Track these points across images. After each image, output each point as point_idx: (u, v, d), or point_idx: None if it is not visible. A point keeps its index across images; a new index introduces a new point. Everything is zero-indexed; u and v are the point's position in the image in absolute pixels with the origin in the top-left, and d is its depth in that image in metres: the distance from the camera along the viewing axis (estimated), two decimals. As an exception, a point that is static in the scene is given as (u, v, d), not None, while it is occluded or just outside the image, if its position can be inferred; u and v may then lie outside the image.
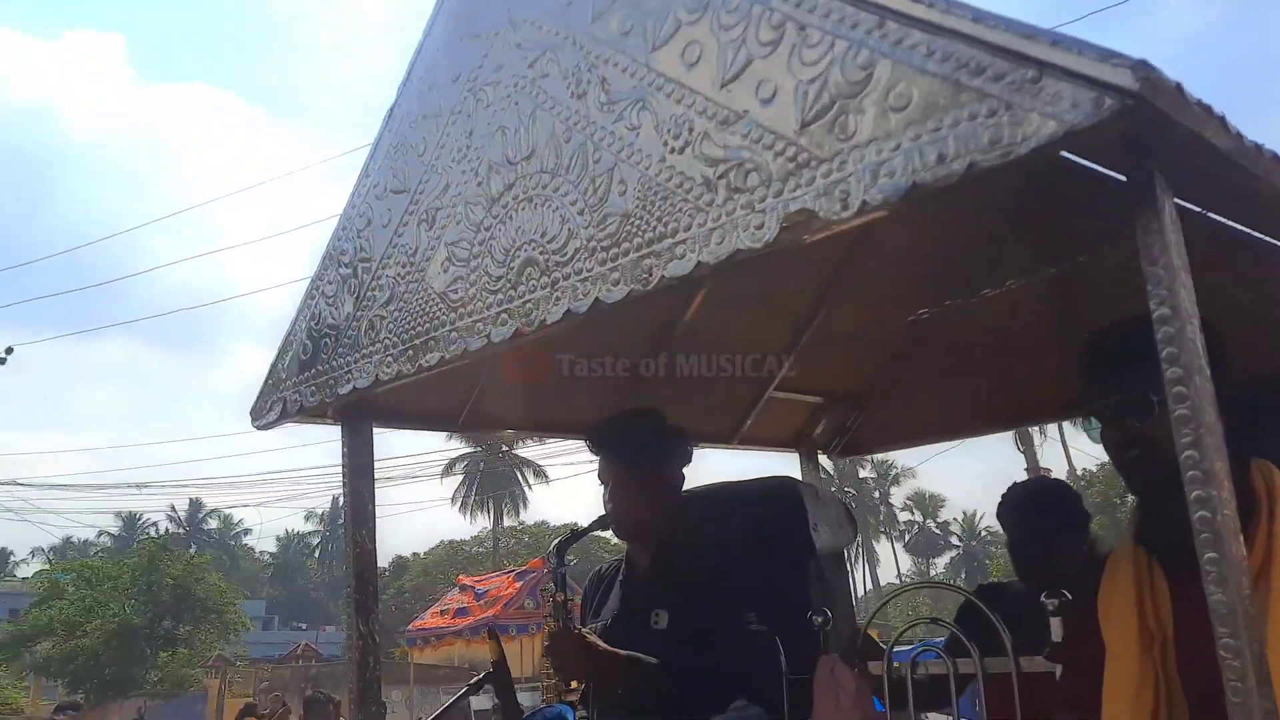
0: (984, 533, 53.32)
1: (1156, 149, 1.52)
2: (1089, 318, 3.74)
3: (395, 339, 2.47)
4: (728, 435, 4.17)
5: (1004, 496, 3.23)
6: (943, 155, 1.51)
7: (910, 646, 2.86)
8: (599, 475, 3.05)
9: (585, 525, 3.09)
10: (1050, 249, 3.33)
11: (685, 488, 3.12)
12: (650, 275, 1.92)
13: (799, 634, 2.93)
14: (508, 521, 52.39)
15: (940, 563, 53.94)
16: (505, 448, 52.29)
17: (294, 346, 2.79)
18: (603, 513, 3.03)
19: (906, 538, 53.88)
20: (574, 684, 2.90)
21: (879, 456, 50.13)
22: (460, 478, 52.75)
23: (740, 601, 2.94)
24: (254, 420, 2.90)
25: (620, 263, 1.97)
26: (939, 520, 56.61)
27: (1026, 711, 2.51)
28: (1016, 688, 2.54)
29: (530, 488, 52.89)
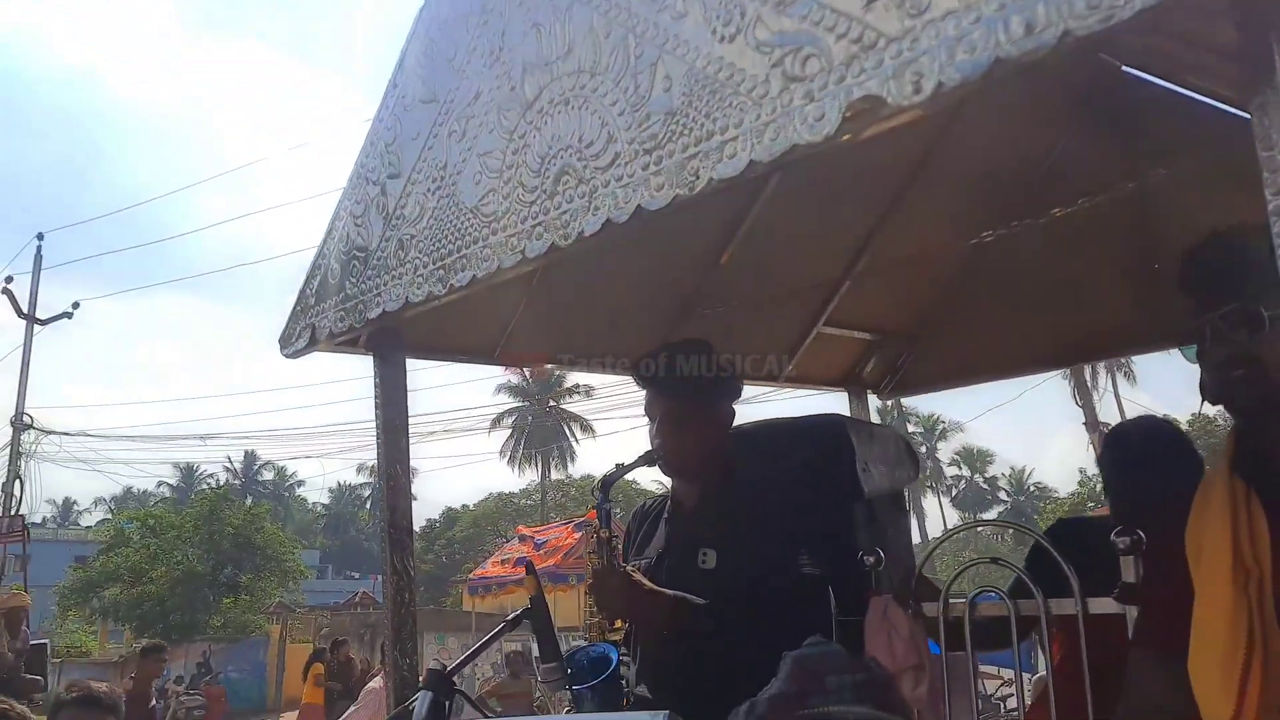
0: (1032, 488, 52.77)
1: (1275, 11, 1.32)
2: (1168, 235, 3.54)
3: (425, 259, 2.33)
4: (775, 373, 4.01)
5: (1111, 433, 3.02)
6: (1031, 25, 1.33)
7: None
8: (646, 409, 2.91)
9: (630, 461, 2.95)
10: (1125, 163, 3.12)
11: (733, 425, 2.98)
12: (697, 177, 1.75)
13: (850, 575, 2.80)
14: (555, 475, 52.82)
15: (988, 517, 53.49)
16: (552, 403, 52.56)
17: (322, 271, 2.67)
18: (649, 448, 2.89)
19: (954, 492, 53.43)
20: (618, 623, 2.79)
21: (925, 410, 49.80)
22: (509, 432, 53.31)
23: (789, 542, 2.80)
24: (283, 349, 2.79)
25: (664, 165, 1.81)
26: (987, 476, 56.08)
27: (1095, 657, 2.37)
28: (1083, 630, 2.40)
29: (578, 441, 53.25)
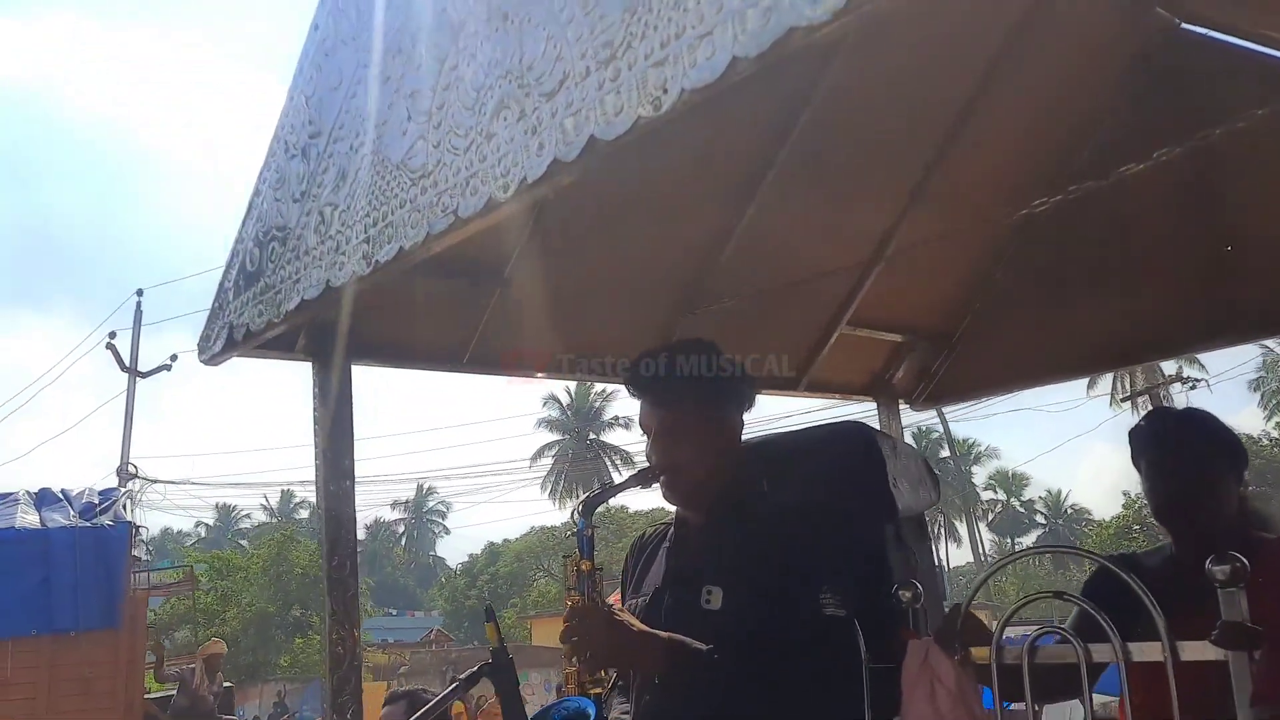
0: (1069, 510, 51.58)
1: None
2: (1234, 208, 3.08)
3: (348, 232, 1.89)
4: (794, 380, 3.53)
5: (1144, 422, 2.53)
6: None
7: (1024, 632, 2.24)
8: (640, 423, 2.43)
9: (621, 480, 2.46)
10: (1184, 123, 2.65)
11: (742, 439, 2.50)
12: (664, 91, 1.30)
13: (881, 613, 2.32)
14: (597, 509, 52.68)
15: (1026, 542, 52.40)
16: (592, 435, 52.19)
17: (240, 258, 2.24)
18: (644, 467, 2.42)
19: (990, 517, 52.37)
20: (600, 673, 2.30)
21: (959, 434, 48.91)
22: (549, 463, 53.17)
23: (809, 576, 2.29)
24: (200, 354, 2.36)
25: (623, 79, 1.36)
26: (1023, 499, 54.98)
27: (1189, 709, 1.89)
28: (1173, 680, 1.91)
29: (619, 472, 52.97)
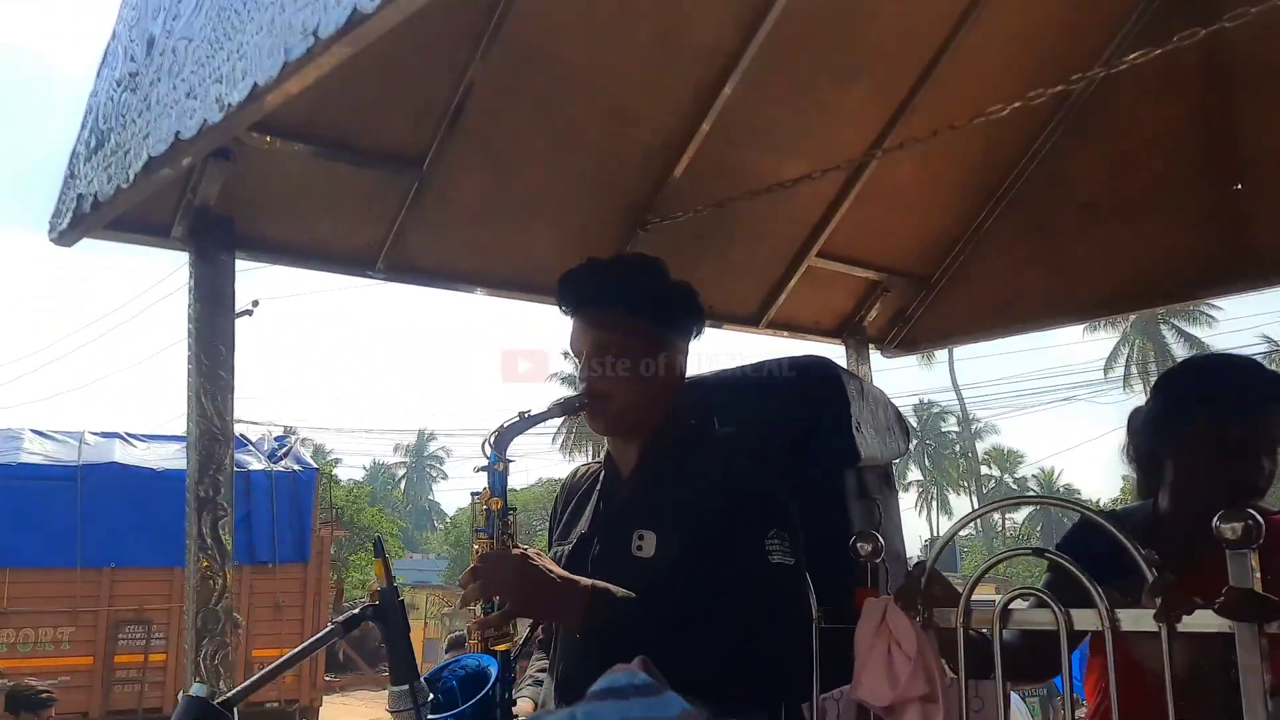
0: (1060, 490, 51.85)
1: None
2: (1244, 137, 2.77)
3: (199, 70, 1.53)
4: (755, 316, 3.20)
5: (1174, 371, 2.17)
6: None
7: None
8: (571, 344, 2.09)
9: (542, 409, 2.11)
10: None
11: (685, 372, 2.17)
12: None
13: (837, 568, 2.02)
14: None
15: (1018, 518, 52.79)
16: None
17: (92, 113, 1.87)
18: (570, 393, 2.09)
19: (984, 491, 52.72)
20: (511, 626, 1.97)
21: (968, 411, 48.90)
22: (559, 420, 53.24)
23: (755, 520, 1.96)
24: (50, 233, 1.99)
25: None
26: (1016, 476, 55.27)
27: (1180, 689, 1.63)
28: (1168, 654, 1.63)
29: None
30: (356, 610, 1.85)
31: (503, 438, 1.98)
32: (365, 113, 2.20)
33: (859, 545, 2.08)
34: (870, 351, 3.47)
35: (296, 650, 1.74)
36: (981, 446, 53.31)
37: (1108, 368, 43.83)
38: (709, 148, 2.65)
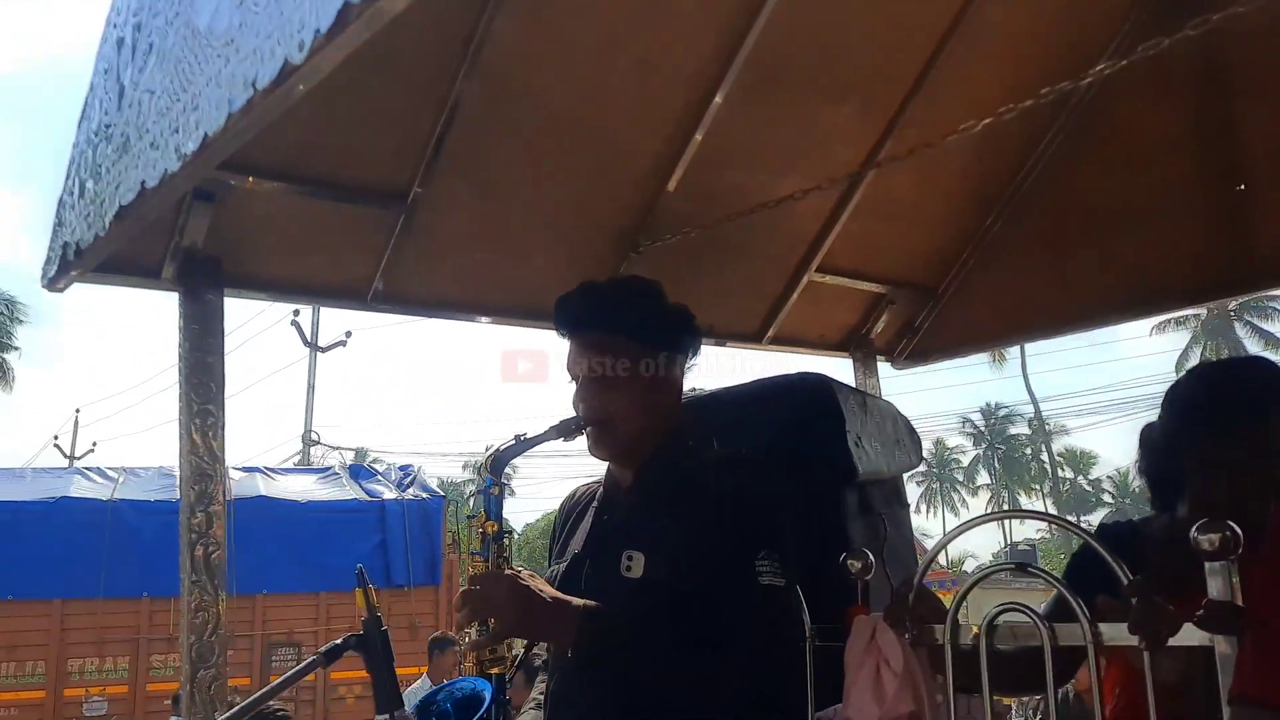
0: (1136, 490, 50.75)
1: None
2: (1244, 138, 2.71)
3: (160, 120, 1.57)
4: (757, 332, 3.20)
5: (1187, 378, 2.10)
6: None
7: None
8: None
9: (537, 432, 2.12)
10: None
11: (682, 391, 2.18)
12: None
13: (829, 585, 2.02)
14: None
15: (1094, 519, 51.81)
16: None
17: (75, 164, 1.92)
18: (567, 417, 2.11)
19: (1061, 493, 51.77)
20: (501, 649, 1.99)
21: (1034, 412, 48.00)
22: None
23: (743, 541, 1.95)
24: (42, 279, 2.05)
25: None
26: (1090, 478, 54.20)
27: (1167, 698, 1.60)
28: (1149, 667, 1.60)
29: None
30: (340, 640, 1.88)
31: (498, 461, 2.00)
32: (347, 150, 2.24)
33: (850, 563, 2.07)
34: (879, 364, 3.44)
35: (280, 680, 1.77)
36: (1054, 448, 52.38)
37: (1179, 366, 42.85)
38: (698, 169, 2.66)
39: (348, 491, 11.18)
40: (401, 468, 12.91)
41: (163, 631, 10.07)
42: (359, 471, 12.06)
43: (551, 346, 2.66)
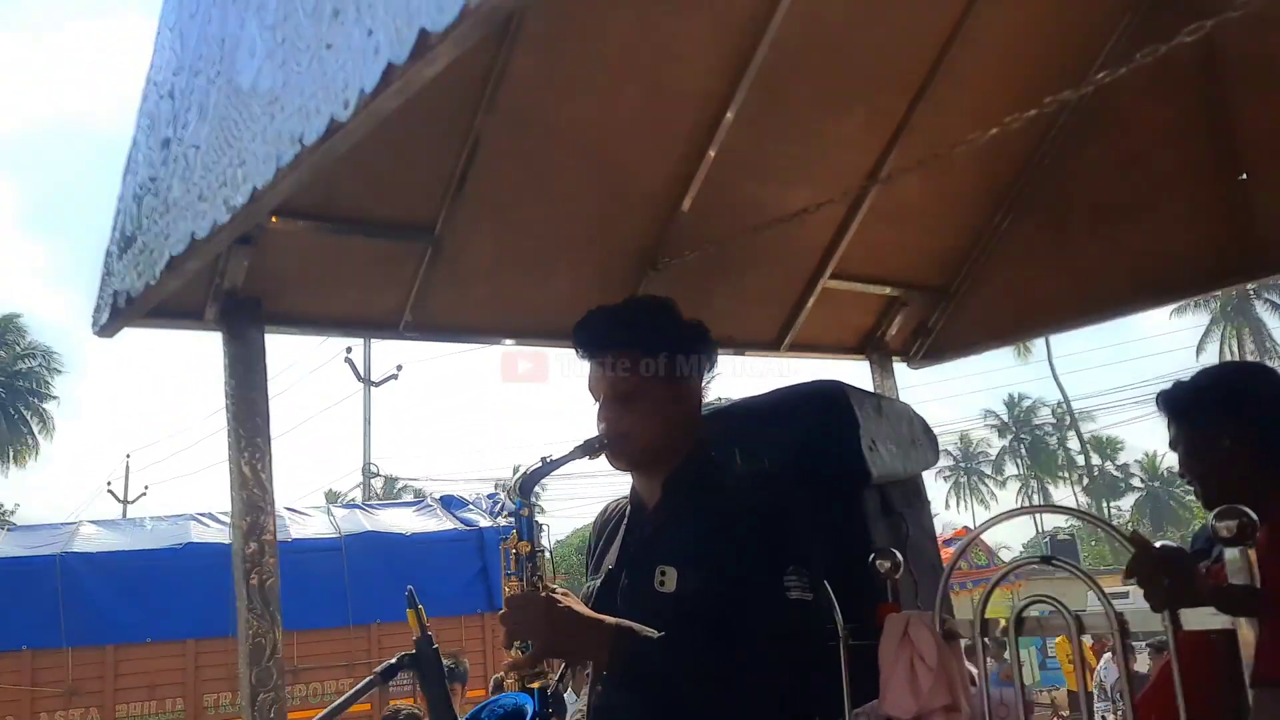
0: (1165, 473, 50.36)
1: None
2: (1243, 130, 2.77)
3: (209, 176, 1.66)
4: (775, 340, 3.28)
5: (1184, 381, 2.17)
6: None
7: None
8: (589, 387, 2.18)
9: (563, 453, 2.20)
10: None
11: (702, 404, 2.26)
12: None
13: (857, 585, 2.08)
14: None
15: (1124, 504, 51.08)
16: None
17: (121, 216, 2.02)
18: (590, 436, 2.18)
19: (1085, 481, 51.36)
20: (545, 664, 2.07)
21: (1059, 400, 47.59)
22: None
23: (774, 556, 2.03)
24: (93, 326, 2.15)
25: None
26: (1118, 463, 53.87)
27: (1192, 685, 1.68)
28: (1174, 649, 1.69)
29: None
30: (394, 660, 1.96)
31: (526, 483, 2.08)
32: (376, 188, 2.33)
33: (879, 563, 2.15)
34: (895, 365, 3.52)
35: (340, 700, 1.86)
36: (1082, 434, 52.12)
37: (1200, 349, 42.57)
38: (711, 187, 2.74)
39: (445, 522, 11.45)
40: (489, 495, 13.25)
41: (289, 664, 10.23)
42: (451, 502, 12.36)
43: (551, 349, 2.80)
